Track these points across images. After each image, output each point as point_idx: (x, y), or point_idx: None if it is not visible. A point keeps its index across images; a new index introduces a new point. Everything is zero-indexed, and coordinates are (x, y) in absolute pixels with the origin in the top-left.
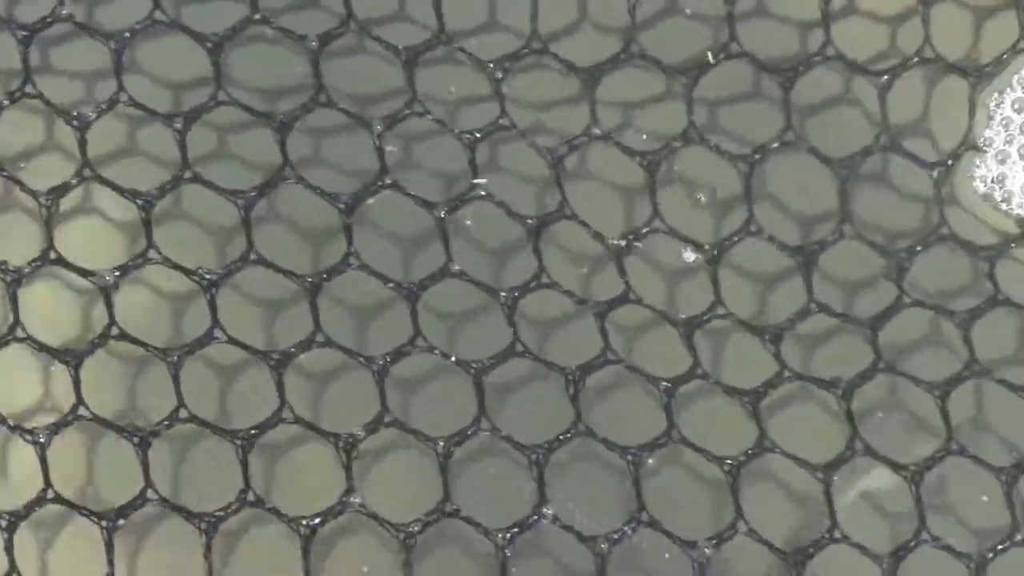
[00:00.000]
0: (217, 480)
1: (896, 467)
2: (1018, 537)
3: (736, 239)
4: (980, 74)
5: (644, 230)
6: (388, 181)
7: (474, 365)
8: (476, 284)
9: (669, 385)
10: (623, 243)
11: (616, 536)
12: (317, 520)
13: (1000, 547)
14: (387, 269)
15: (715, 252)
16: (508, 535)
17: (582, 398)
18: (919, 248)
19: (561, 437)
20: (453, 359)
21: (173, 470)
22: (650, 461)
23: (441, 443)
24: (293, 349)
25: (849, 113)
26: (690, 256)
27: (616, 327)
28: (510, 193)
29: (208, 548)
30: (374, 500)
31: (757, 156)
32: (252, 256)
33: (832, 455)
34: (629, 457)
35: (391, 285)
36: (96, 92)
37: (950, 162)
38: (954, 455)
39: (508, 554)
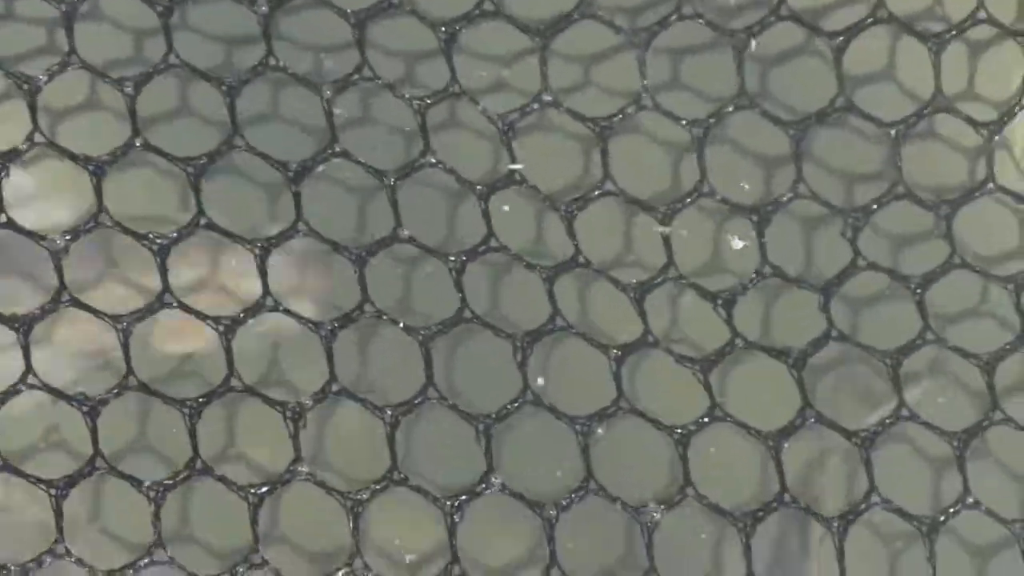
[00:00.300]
0: (167, 448)
1: (847, 434)
2: (969, 500)
3: (690, 199)
4: None
5: (595, 193)
6: (338, 149)
7: (422, 331)
8: (425, 249)
9: (619, 352)
10: (573, 208)
11: (565, 503)
12: (265, 488)
13: (952, 510)
14: (336, 234)
15: (669, 213)
16: (456, 502)
17: (531, 365)
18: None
19: (509, 406)
20: (401, 325)
21: (123, 439)
22: (599, 431)
23: (389, 411)
24: (242, 315)
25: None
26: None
27: (566, 292)
28: (461, 157)
29: (157, 516)
30: (324, 468)
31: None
32: (202, 221)
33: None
34: (578, 427)
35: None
36: (48, 54)
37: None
38: (904, 421)
39: (456, 520)
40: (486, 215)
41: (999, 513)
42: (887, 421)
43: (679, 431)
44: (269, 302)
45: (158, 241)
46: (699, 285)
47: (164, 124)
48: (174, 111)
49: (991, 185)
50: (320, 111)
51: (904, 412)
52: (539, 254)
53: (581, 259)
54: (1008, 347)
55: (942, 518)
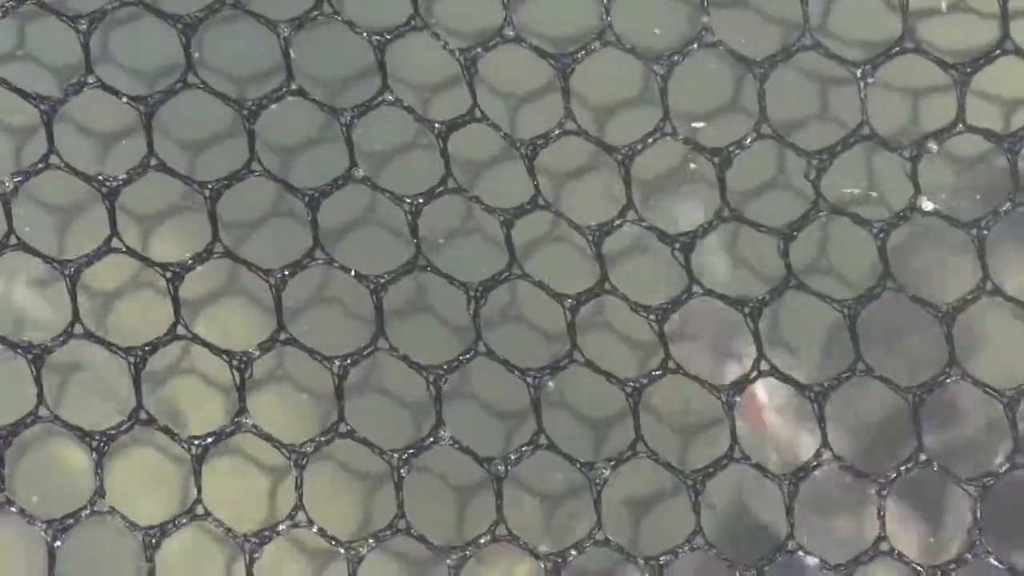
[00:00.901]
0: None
1: (800, 387)
2: (922, 457)
3: (650, 140)
4: None
5: (556, 132)
6: (294, 87)
7: (372, 280)
8: (380, 190)
9: (574, 302)
10: (532, 147)
11: (514, 457)
12: (209, 439)
13: (904, 467)
14: (289, 176)
15: (630, 155)
16: (403, 456)
17: (484, 317)
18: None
19: (461, 358)
20: (352, 273)
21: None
22: (551, 384)
23: (336, 362)
24: (191, 261)
25: None
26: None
27: (523, 238)
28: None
29: (99, 466)
30: (268, 421)
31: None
32: (153, 162)
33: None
34: (529, 379)
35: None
36: None
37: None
38: (861, 375)
39: (403, 475)
40: (444, 154)
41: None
42: (843, 376)
43: (631, 384)
44: (218, 248)
45: (107, 184)
46: (658, 228)
47: (118, 64)
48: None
49: (960, 126)
50: (277, 48)
51: (861, 367)
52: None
53: (541, 201)
54: (969, 296)
55: (893, 474)
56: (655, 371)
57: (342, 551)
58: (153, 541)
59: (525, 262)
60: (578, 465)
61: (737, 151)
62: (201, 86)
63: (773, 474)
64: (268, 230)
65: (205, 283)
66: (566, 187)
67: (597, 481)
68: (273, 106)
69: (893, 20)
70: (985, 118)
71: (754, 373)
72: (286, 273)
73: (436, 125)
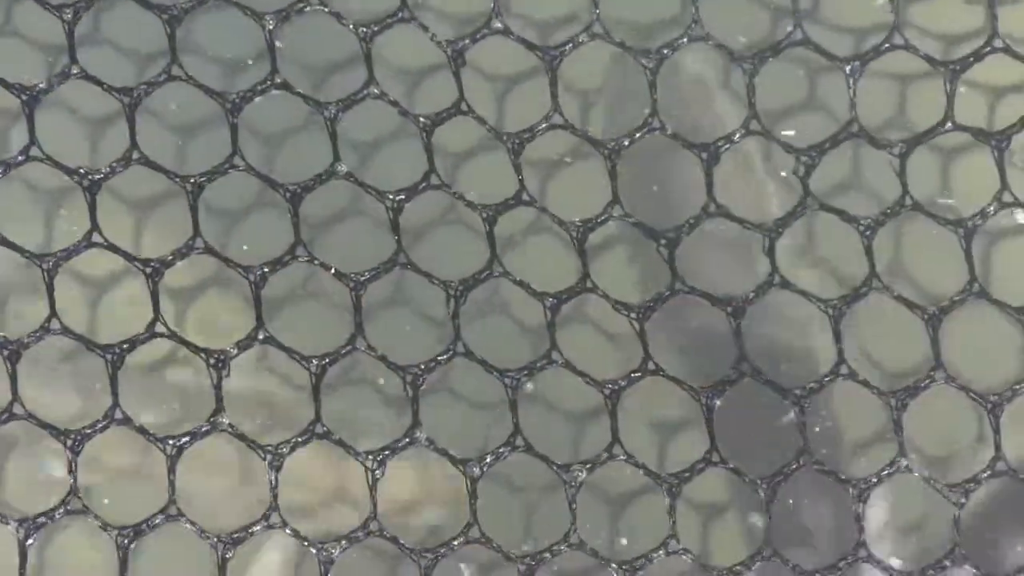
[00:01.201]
0: (86, 397)
1: (783, 392)
2: (903, 464)
3: (639, 135)
4: None
5: (542, 126)
6: (278, 80)
7: (352, 279)
8: (364, 187)
9: (554, 301)
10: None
11: (489, 460)
12: (185, 439)
13: (885, 473)
14: (274, 162)
15: (616, 149)
16: (379, 458)
17: (463, 315)
18: None
19: (439, 359)
20: (333, 271)
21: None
22: (529, 386)
23: (315, 361)
24: (171, 257)
25: None
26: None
27: (507, 230)
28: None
29: (73, 465)
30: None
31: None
32: (135, 156)
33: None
34: (507, 380)
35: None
36: None
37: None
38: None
39: (378, 476)
40: (428, 149)
41: None
42: (826, 380)
43: (609, 386)
44: (198, 243)
45: (89, 176)
46: (643, 224)
47: (99, 50)
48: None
49: (949, 125)
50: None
51: (843, 370)
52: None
53: (525, 196)
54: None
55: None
56: (634, 372)
57: (313, 551)
58: (127, 541)
59: (509, 252)
60: (554, 467)
61: (726, 146)
62: (185, 78)
63: (751, 479)
64: (254, 219)
65: (191, 276)
66: (553, 178)
67: (572, 484)
68: (257, 98)
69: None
70: (972, 109)
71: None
72: (266, 270)
73: (421, 120)
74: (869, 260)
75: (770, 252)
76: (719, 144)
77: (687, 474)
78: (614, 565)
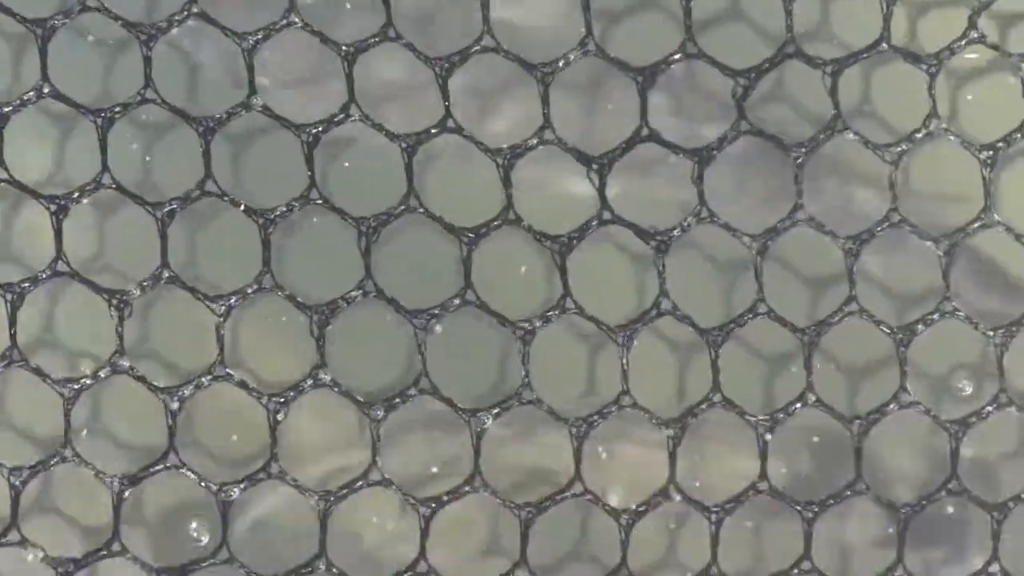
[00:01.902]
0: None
1: (700, 331)
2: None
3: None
4: None
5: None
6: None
7: (261, 215)
8: (277, 119)
9: (472, 236)
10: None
11: (395, 402)
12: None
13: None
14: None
15: (549, 72)
16: (281, 399)
17: (375, 253)
18: None
19: (346, 297)
20: (242, 207)
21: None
22: (438, 328)
23: (221, 302)
24: (76, 194)
25: None
26: None
27: (423, 167)
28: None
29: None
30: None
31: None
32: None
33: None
34: (415, 321)
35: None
36: None
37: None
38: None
39: (279, 419)
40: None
41: None
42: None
43: (524, 325)
44: (106, 179)
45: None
46: (576, 149)
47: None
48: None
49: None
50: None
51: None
52: None
53: (451, 123)
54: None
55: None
56: (548, 311)
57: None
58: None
59: (428, 189)
60: (459, 412)
61: (664, 68)
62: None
63: (660, 419)
64: (167, 150)
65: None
66: (485, 108)
67: (478, 429)
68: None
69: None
70: None
71: None
72: (175, 206)
73: (344, 48)
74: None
75: (699, 179)
76: (661, 67)
77: (594, 418)
78: None
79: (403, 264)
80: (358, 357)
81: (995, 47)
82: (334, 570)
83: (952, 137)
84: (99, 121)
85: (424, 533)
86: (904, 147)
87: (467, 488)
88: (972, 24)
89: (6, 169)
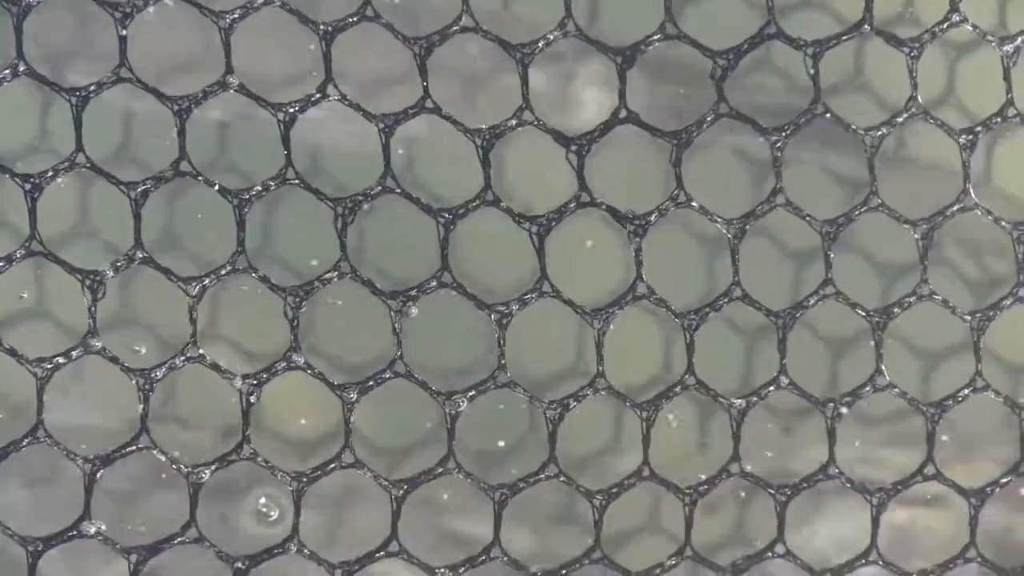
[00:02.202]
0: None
1: (675, 314)
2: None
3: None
4: None
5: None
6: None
7: (235, 195)
8: (254, 98)
9: (449, 216)
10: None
11: (369, 384)
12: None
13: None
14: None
15: (529, 54)
16: (257, 379)
17: (352, 232)
18: None
19: (322, 279)
20: (216, 187)
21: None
22: (414, 310)
23: (196, 287)
24: (50, 172)
25: None
26: None
27: (401, 145)
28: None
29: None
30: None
31: None
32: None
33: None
34: (393, 304)
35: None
36: None
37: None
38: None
39: (253, 402)
40: (327, 59)
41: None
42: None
43: (501, 308)
44: (80, 159)
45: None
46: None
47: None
48: None
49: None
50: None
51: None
52: None
53: (428, 103)
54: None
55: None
56: (526, 294)
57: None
58: None
59: (410, 168)
60: (433, 394)
61: (644, 48)
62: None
63: (634, 402)
64: (138, 136)
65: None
66: (464, 88)
67: (452, 412)
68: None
69: None
70: None
71: None
72: (149, 186)
73: (322, 27)
74: (776, 174)
75: (676, 164)
76: (640, 47)
77: (570, 401)
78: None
79: (390, 246)
80: (339, 337)
81: (975, 27)
82: (305, 552)
83: (931, 120)
84: (74, 100)
85: (395, 515)
86: (885, 131)
87: (440, 469)
88: (954, 7)
89: None
